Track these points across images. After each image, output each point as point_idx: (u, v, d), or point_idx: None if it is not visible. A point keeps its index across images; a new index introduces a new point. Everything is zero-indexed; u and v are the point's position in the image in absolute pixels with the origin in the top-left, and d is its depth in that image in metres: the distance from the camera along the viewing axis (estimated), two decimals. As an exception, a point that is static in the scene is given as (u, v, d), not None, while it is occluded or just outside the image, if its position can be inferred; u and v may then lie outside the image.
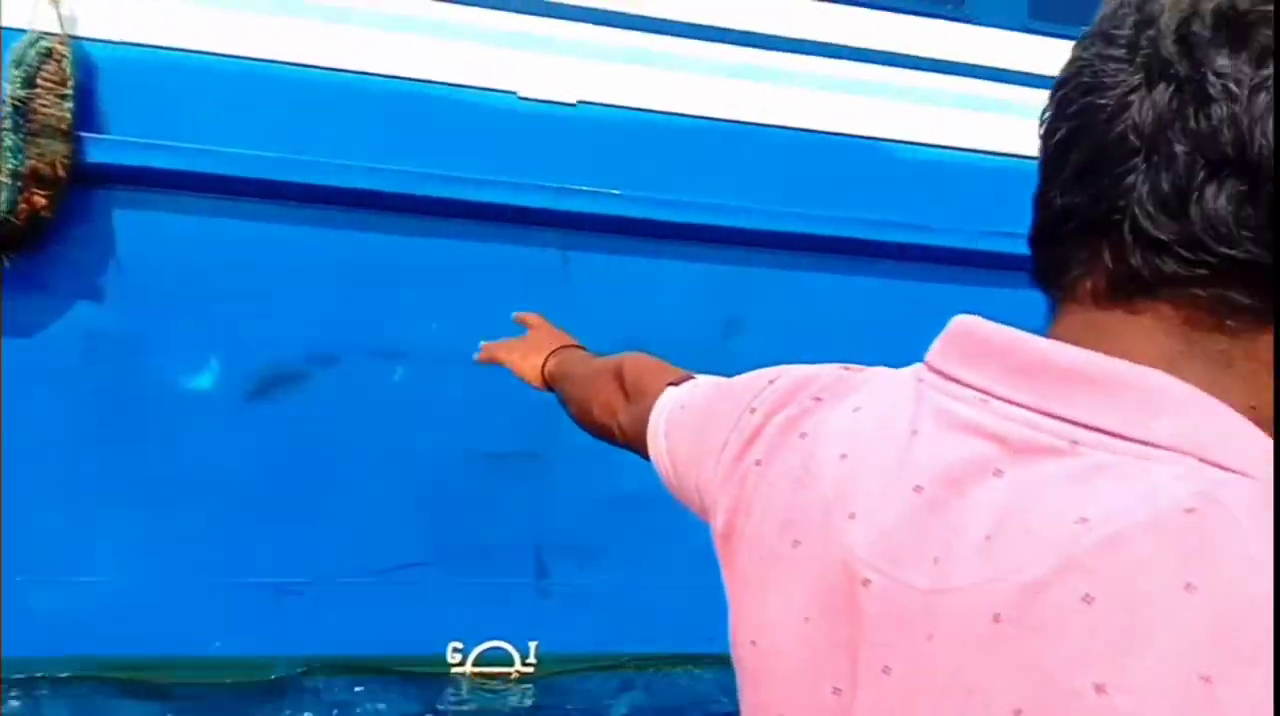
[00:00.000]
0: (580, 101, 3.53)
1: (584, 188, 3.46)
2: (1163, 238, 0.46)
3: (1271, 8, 0.45)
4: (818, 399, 0.64)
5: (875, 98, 3.86)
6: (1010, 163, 3.70)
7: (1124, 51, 0.48)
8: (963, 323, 0.55)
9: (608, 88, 3.56)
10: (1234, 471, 0.44)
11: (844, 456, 0.57)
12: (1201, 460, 0.44)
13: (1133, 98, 0.47)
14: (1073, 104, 0.50)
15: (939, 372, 0.55)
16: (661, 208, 3.49)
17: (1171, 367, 0.47)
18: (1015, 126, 3.76)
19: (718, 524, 0.66)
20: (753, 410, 0.67)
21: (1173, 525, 0.42)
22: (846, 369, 0.66)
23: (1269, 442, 0.46)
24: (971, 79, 3.95)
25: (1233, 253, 0.45)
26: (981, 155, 3.89)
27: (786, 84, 3.76)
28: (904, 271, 3.78)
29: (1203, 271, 0.46)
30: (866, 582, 0.51)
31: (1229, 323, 0.47)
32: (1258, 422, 0.47)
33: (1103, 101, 0.48)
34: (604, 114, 3.55)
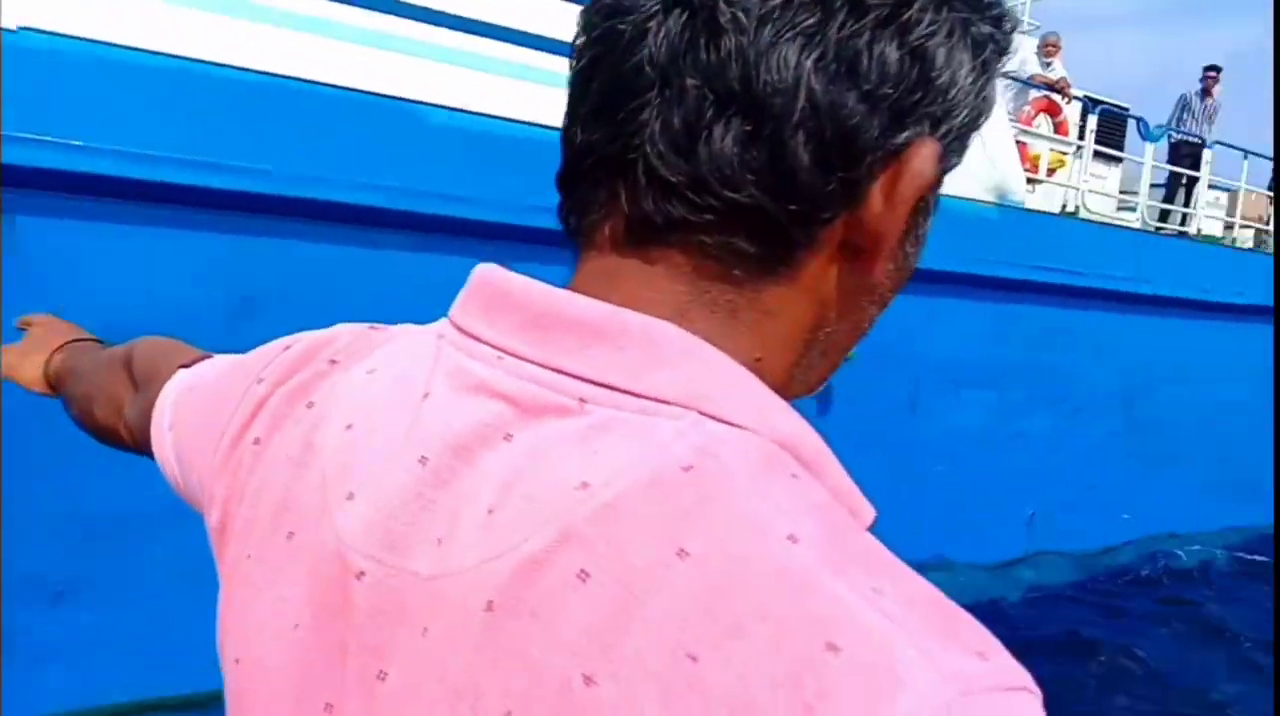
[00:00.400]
0: (21, 28, 2.76)
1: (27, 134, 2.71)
2: (672, 179, 0.44)
3: None
4: (333, 362, 0.56)
5: (411, 56, 3.56)
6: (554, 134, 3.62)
7: None
8: (483, 272, 0.51)
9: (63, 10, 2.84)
10: (735, 425, 0.43)
11: (349, 427, 0.51)
12: (703, 413, 0.43)
13: (651, 24, 0.44)
14: (596, 28, 0.47)
15: (459, 328, 0.50)
16: (138, 163, 2.86)
17: (681, 317, 0.45)
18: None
19: (212, 520, 0.58)
20: (260, 380, 0.58)
21: (669, 485, 0.40)
22: (372, 328, 0.59)
23: (771, 397, 0.45)
24: (513, 45, 3.82)
25: (737, 196, 0.44)
26: (525, 125, 3.77)
27: (306, 31, 3.31)
28: (443, 245, 3.55)
29: (710, 217, 0.44)
30: (360, 575, 0.47)
31: (735, 271, 0.46)
32: (762, 374, 0.46)
33: (623, 26, 0.45)
34: (57, 44, 2.82)
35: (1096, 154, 9.61)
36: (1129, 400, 8.47)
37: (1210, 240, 9.53)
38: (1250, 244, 10.50)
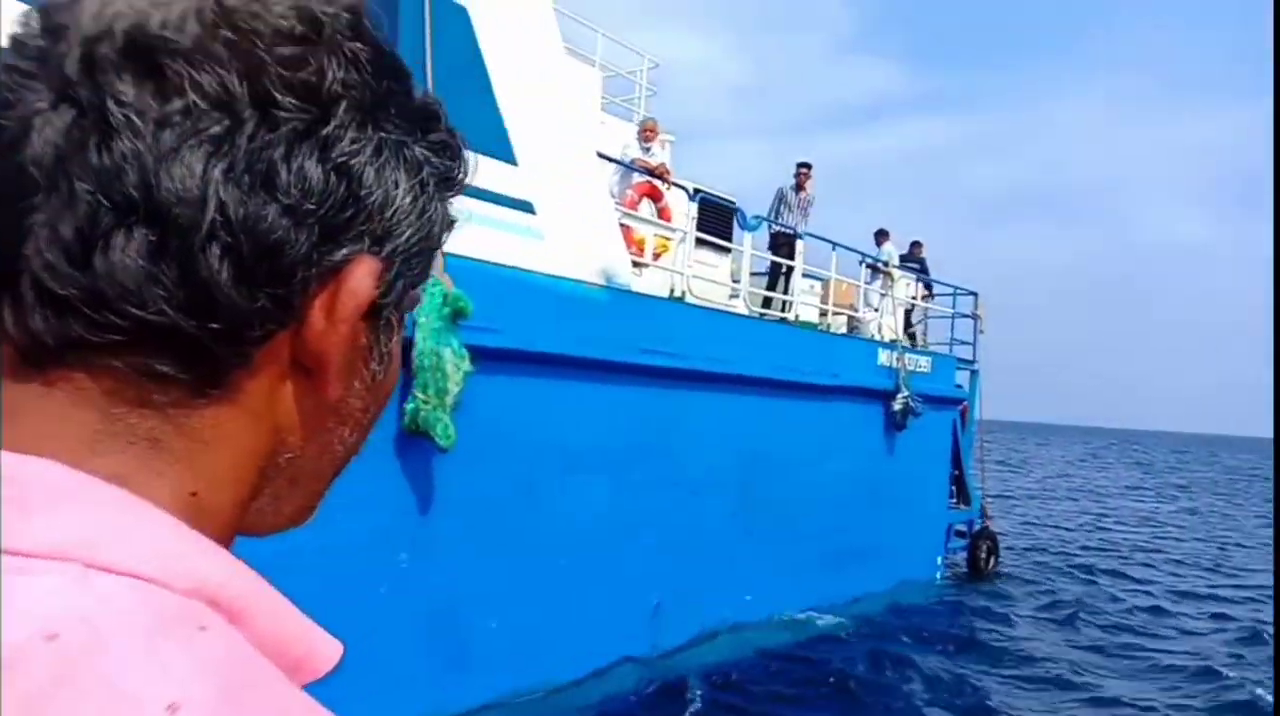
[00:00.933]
0: None
1: None
2: (62, 293, 0.39)
3: (191, 42, 0.40)
4: None
5: None
6: None
7: (34, 64, 0.40)
8: None
9: None
10: (133, 576, 0.38)
11: None
12: (91, 566, 0.37)
13: (37, 121, 0.39)
14: None
15: None
16: None
17: (91, 452, 0.41)
18: None
19: None
20: None
21: (26, 663, 0.35)
22: None
23: (189, 539, 0.41)
24: None
25: (144, 314, 0.40)
26: None
27: None
28: None
29: (116, 336, 0.40)
30: None
31: (157, 396, 0.42)
32: (201, 511, 0.43)
33: (5, 123, 0.40)
34: None
35: (702, 242, 10.05)
36: (745, 480, 8.65)
37: (807, 326, 10.21)
38: (844, 329, 11.45)
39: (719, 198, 9.63)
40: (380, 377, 0.49)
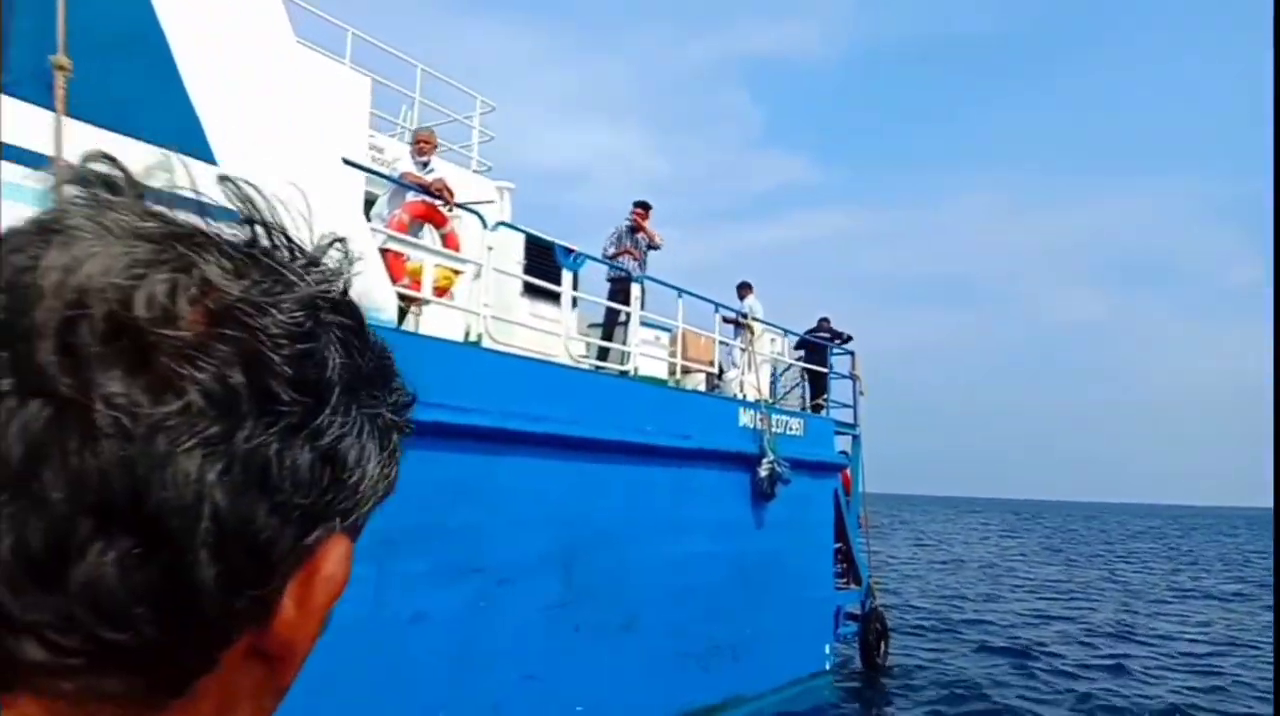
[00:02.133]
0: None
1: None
2: (25, 617, 0.35)
3: (181, 320, 0.37)
4: None
5: None
6: None
7: None
8: None
9: None
10: None
11: None
12: None
13: (2, 408, 0.35)
14: None
15: None
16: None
17: None
18: None
19: None
20: None
21: None
22: None
23: None
24: None
25: (118, 635, 0.36)
26: None
27: None
28: None
29: (77, 660, 0.36)
30: None
31: None
32: None
33: None
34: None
35: (537, 292, 8.74)
36: (569, 564, 7.14)
37: (652, 381, 8.90)
38: (703, 387, 10.18)
39: (538, 236, 8.35)
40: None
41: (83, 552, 0.35)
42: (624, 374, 8.45)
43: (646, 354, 8.91)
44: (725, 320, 10.88)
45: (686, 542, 8.57)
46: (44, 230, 0.37)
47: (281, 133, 5.15)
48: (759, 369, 10.68)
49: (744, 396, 10.16)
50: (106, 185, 0.40)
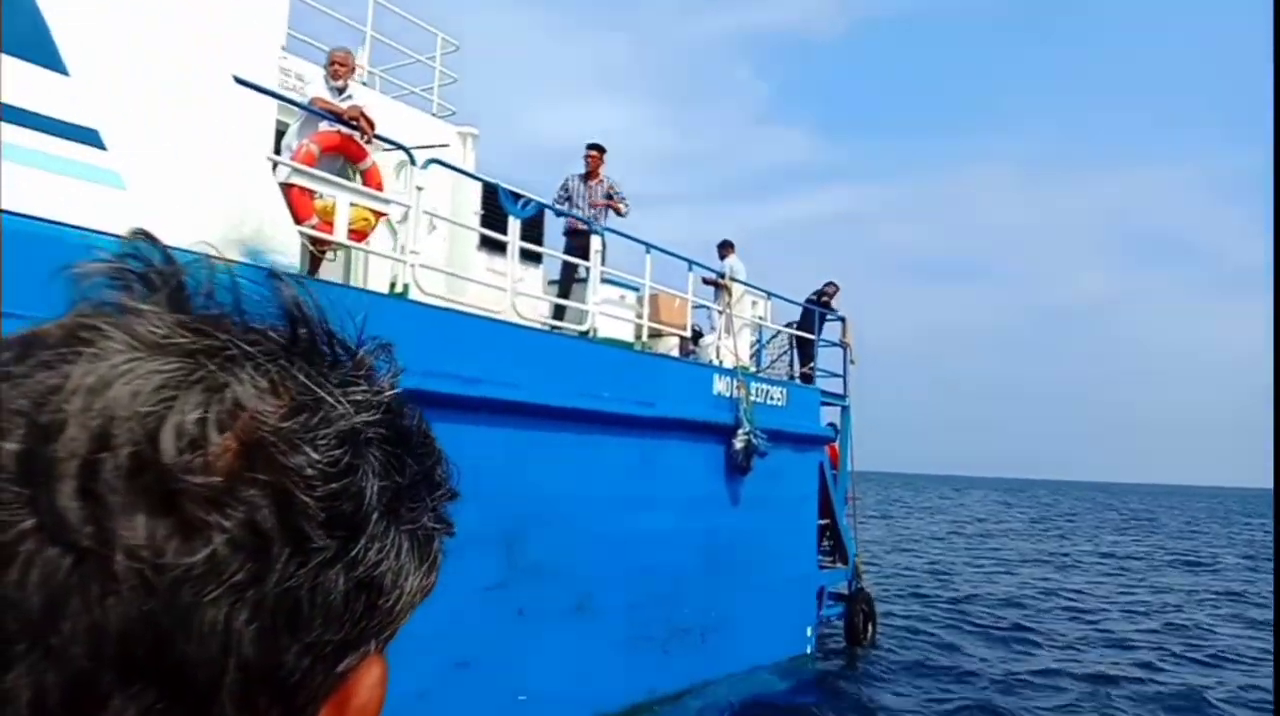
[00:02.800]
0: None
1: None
2: None
3: (210, 460, 0.35)
4: None
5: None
6: None
7: (8, 480, 0.33)
8: None
9: None
10: None
11: None
12: None
13: (22, 550, 0.33)
14: None
15: None
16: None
17: None
18: None
19: None
20: None
21: None
22: None
23: None
24: None
25: None
26: None
27: None
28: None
29: None
30: None
31: None
32: None
33: None
34: None
35: (487, 241, 8.04)
36: (513, 541, 6.51)
37: (615, 343, 8.21)
38: (675, 352, 9.49)
39: (482, 179, 7.63)
40: None
41: (104, 706, 0.33)
42: (583, 335, 7.76)
43: (609, 314, 8.22)
44: (705, 282, 10.18)
45: (649, 519, 7.93)
46: (73, 339, 0.36)
47: (148, 42, 4.45)
48: (738, 333, 9.98)
49: (720, 362, 9.47)
50: (143, 282, 0.37)
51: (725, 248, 10.75)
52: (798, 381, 11.31)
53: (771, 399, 9.91)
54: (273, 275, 0.39)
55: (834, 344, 12.31)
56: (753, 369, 10.22)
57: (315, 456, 0.37)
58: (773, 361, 12.35)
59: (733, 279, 10.06)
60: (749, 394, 9.16)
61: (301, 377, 0.38)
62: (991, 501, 78.44)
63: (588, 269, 7.88)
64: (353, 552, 0.38)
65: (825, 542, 12.01)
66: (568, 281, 8.29)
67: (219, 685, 0.35)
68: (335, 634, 0.38)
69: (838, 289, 12.59)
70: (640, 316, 8.60)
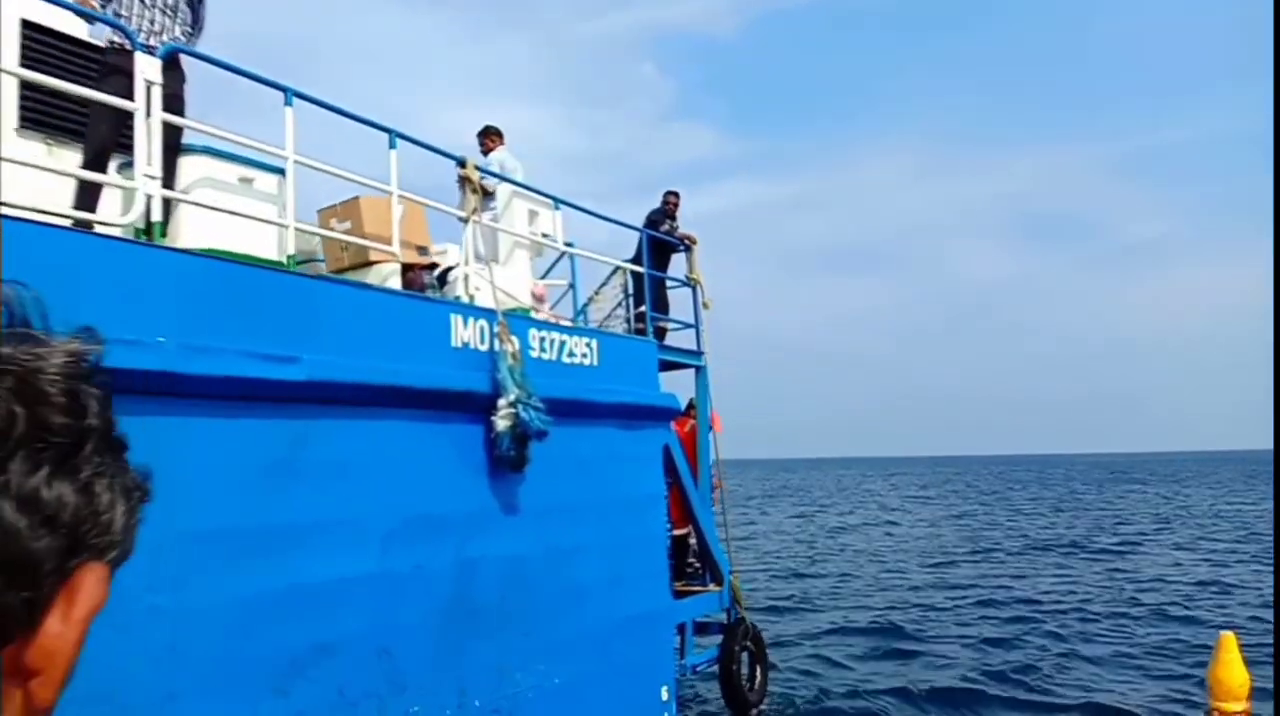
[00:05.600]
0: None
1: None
2: None
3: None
4: None
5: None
6: None
7: None
8: None
9: None
10: None
11: None
12: None
13: None
14: None
15: None
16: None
17: None
18: None
19: None
20: None
21: None
22: None
23: None
24: None
25: None
26: None
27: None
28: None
29: None
30: None
31: None
32: None
33: None
34: None
35: (33, 116, 4.41)
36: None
37: (233, 257, 4.65)
38: (395, 283, 5.99)
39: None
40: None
41: None
42: (141, 233, 4.20)
43: (218, 208, 4.65)
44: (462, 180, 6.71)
45: (314, 565, 4.42)
46: None
47: None
48: (508, 258, 6.55)
49: (471, 299, 6.00)
50: None
51: (489, 136, 7.30)
52: (616, 332, 7.93)
53: (569, 355, 6.49)
54: (7, 283, 0.48)
55: (679, 281, 8.97)
56: (535, 311, 6.78)
57: (54, 362, 0.47)
58: (604, 318, 8.97)
59: (497, 178, 6.59)
60: (513, 346, 5.71)
61: (29, 335, 0.48)
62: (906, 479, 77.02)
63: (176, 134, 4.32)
64: (79, 457, 0.48)
65: (689, 560, 8.67)
66: (105, 143, 4.62)
67: None
68: (67, 519, 0.47)
69: (679, 200, 9.28)
70: (333, 224, 5.04)
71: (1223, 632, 6.44)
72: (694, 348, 8.75)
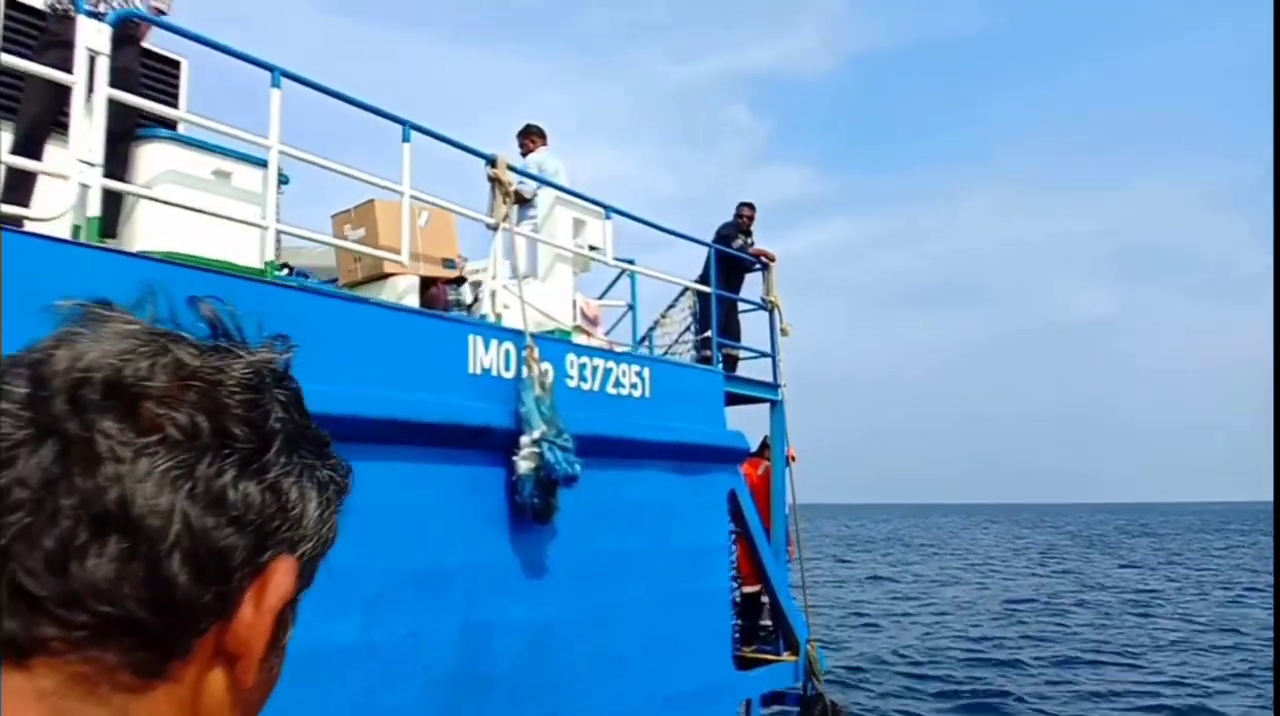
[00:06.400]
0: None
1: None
2: (42, 595, 0.46)
3: (160, 382, 0.49)
4: None
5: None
6: None
7: (16, 407, 0.47)
8: None
9: None
10: None
11: None
12: None
13: (20, 451, 0.46)
14: None
15: None
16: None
17: None
18: None
19: None
20: None
21: None
22: None
23: None
24: None
25: (111, 610, 0.46)
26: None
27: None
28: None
29: (81, 633, 0.46)
30: None
31: (103, 688, 0.47)
32: None
33: None
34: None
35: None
36: None
37: (187, 259, 3.94)
38: (413, 300, 5.23)
39: None
40: (276, 670, 0.56)
41: (85, 551, 0.46)
42: (144, 255, 3.52)
43: (184, 205, 3.94)
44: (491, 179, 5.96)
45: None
46: (55, 341, 0.49)
47: None
48: (548, 273, 5.73)
49: (498, 317, 5.19)
50: (103, 307, 0.51)
51: (529, 136, 6.51)
52: (686, 358, 7.02)
53: (615, 385, 5.61)
54: (192, 299, 0.53)
55: (754, 304, 8.01)
56: (586, 334, 5.93)
57: (235, 374, 0.51)
58: (671, 343, 8.07)
59: (537, 183, 5.80)
60: (541, 373, 4.86)
61: (223, 346, 0.53)
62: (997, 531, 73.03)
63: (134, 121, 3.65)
64: (263, 460, 0.52)
65: (761, 622, 7.63)
66: (38, 124, 3.93)
67: (166, 535, 0.47)
68: (254, 517, 0.51)
69: (754, 213, 8.34)
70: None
71: None
72: (769, 380, 7.75)
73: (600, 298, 7.53)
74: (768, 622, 7.70)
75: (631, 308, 7.10)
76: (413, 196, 4.88)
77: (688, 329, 8.05)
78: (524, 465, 4.72)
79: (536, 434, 4.72)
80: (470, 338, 4.76)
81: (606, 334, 7.27)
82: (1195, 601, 22.01)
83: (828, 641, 14.15)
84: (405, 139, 4.74)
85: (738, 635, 7.74)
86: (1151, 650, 14.96)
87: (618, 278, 7.40)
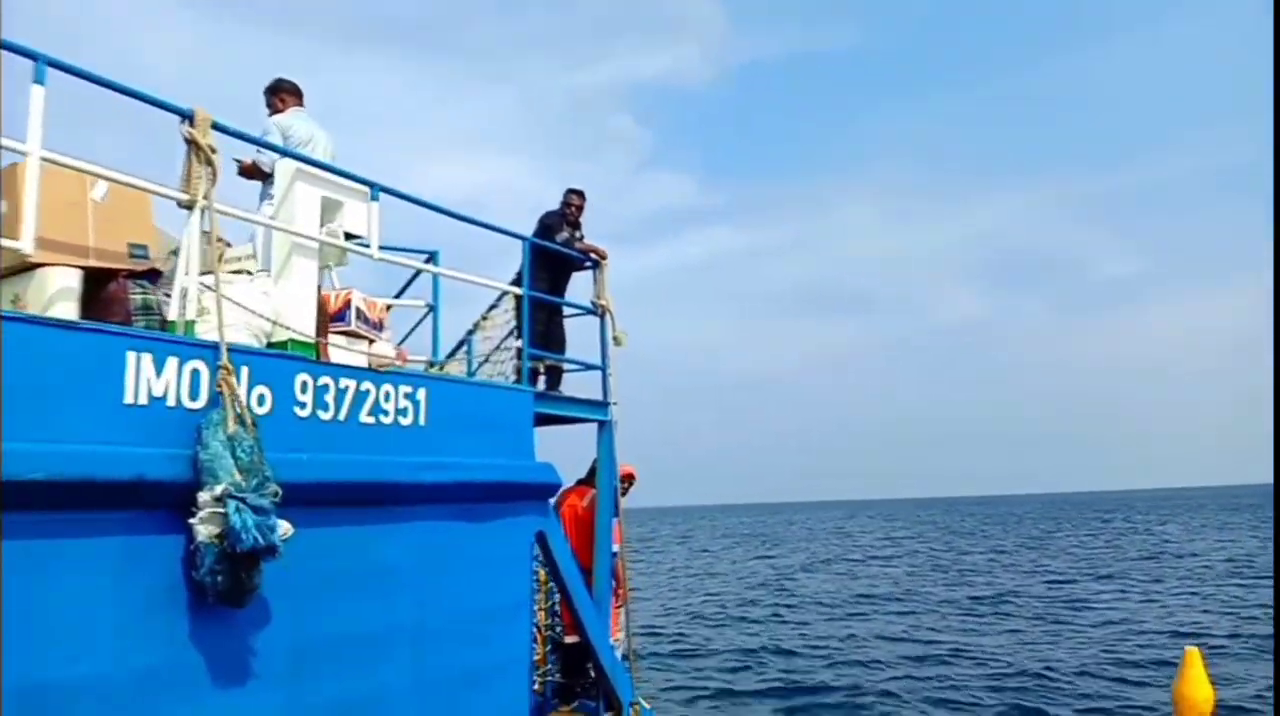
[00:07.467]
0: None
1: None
2: None
3: None
4: None
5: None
6: None
7: None
8: None
9: None
10: None
11: None
12: None
13: None
14: None
15: None
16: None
17: None
18: None
19: None
20: None
21: None
22: None
23: None
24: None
25: None
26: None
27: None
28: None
29: None
30: None
31: None
32: None
33: None
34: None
35: None
36: None
37: None
38: (70, 311, 3.87)
39: None
40: None
41: None
42: None
43: None
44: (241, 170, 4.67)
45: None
46: None
47: None
48: (283, 268, 4.45)
49: (186, 331, 3.87)
50: None
51: (280, 94, 5.17)
52: (500, 377, 5.83)
53: (372, 412, 4.37)
54: None
55: (582, 309, 6.87)
56: (344, 344, 4.65)
57: None
58: (492, 351, 6.86)
59: (266, 152, 4.49)
60: (238, 403, 3.59)
61: None
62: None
63: None
64: None
65: (578, 683, 6.52)
66: None
67: None
68: None
69: (584, 201, 7.20)
70: None
71: (1188, 648, 6.72)
72: (598, 398, 6.61)
73: (398, 296, 6.27)
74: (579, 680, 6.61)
75: (433, 308, 5.85)
76: (73, 163, 3.54)
77: (510, 333, 6.87)
78: (203, 531, 3.43)
79: (219, 489, 3.44)
80: (130, 355, 3.44)
81: (401, 343, 6.01)
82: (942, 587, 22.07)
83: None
84: (38, 79, 3.38)
85: (554, 698, 6.61)
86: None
87: (415, 276, 6.14)
